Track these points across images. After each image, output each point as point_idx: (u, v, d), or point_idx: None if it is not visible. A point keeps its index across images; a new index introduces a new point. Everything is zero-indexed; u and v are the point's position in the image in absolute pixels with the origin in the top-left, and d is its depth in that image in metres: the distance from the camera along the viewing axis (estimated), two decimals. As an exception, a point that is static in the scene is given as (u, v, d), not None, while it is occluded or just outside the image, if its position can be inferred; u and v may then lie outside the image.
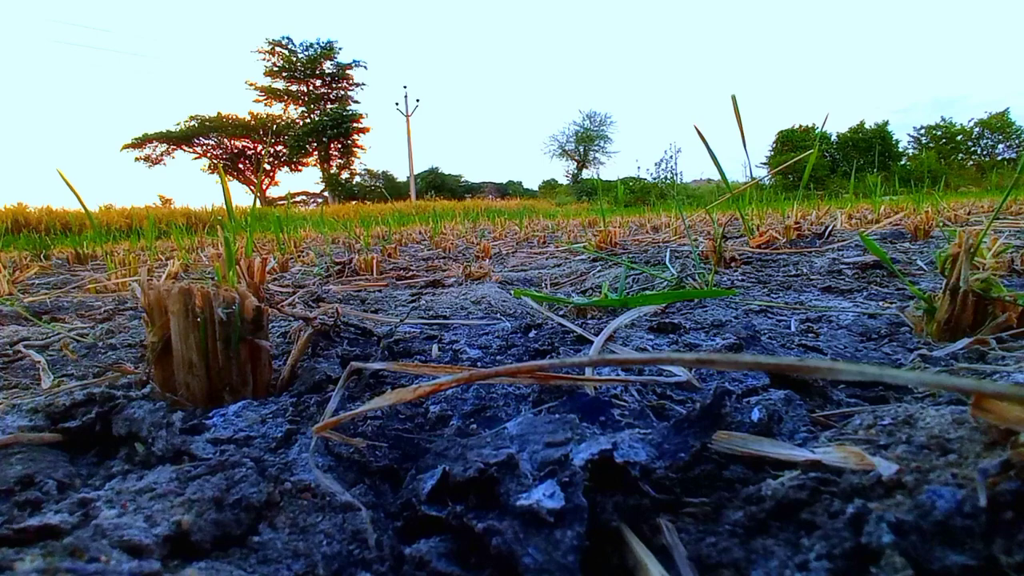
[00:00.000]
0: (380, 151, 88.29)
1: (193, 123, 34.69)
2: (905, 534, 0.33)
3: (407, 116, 34.35)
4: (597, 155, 42.80)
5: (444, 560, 0.36)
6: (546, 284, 1.75)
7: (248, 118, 36.11)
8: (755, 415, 0.52)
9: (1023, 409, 0.35)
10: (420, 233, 5.30)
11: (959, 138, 33.00)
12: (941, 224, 2.74)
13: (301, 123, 36.86)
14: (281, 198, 34.08)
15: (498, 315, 1.17)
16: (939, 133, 33.52)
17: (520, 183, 43.31)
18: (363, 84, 40.07)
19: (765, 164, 29.42)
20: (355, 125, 36.37)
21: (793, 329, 0.91)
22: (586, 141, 42.03)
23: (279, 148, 36.23)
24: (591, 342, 0.80)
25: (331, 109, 36.86)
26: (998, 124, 31.89)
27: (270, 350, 0.66)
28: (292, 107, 37.56)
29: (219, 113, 35.25)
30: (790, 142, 30.65)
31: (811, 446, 0.45)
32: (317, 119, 36.33)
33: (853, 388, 0.61)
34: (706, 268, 1.62)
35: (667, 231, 3.58)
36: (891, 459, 0.40)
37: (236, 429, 0.54)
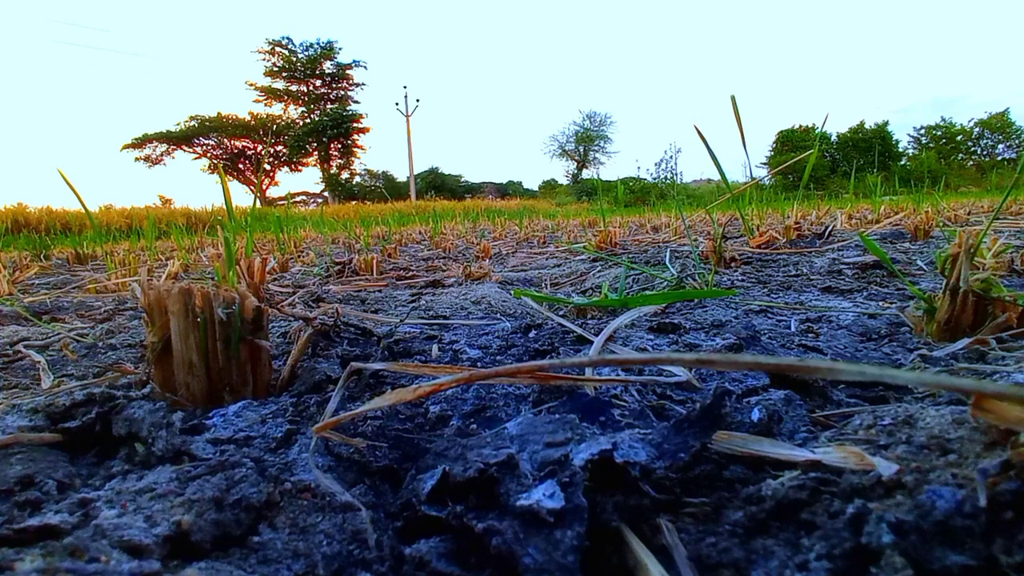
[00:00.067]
0: (380, 151, 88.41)
1: (193, 123, 34.70)
2: (905, 534, 0.33)
3: (407, 116, 34.37)
4: (597, 155, 42.84)
5: (444, 560, 0.36)
6: (546, 284, 1.75)
7: (248, 118, 36.12)
8: (755, 415, 0.52)
9: (1023, 409, 0.35)
10: (420, 233, 5.30)
11: (959, 138, 33.01)
12: (941, 224, 2.74)
13: (301, 123, 36.87)
14: (281, 198, 34.09)
15: (498, 315, 1.17)
16: (939, 133, 33.53)
17: (520, 183, 43.33)
18: (363, 84, 40.12)
19: (765, 164, 29.43)
20: (355, 125, 36.38)
21: (793, 329, 0.91)
22: (586, 141, 42.03)
23: (279, 148, 36.23)
24: (591, 342, 0.80)
25: (331, 109, 36.86)
26: (998, 124, 31.90)
27: (270, 350, 0.66)
28: (292, 107, 37.61)
29: (219, 113, 35.27)
30: (790, 142, 30.66)
31: (811, 446, 0.45)
32: (317, 119, 36.33)
33: (853, 388, 0.61)
34: (706, 268, 1.62)
35: (667, 231, 3.58)
36: (891, 459, 0.40)
37: (236, 429, 0.54)
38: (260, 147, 36.09)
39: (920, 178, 9.84)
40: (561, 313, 1.12)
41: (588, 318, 1.08)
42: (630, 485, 0.40)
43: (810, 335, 0.87)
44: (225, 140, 35.86)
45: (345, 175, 38.18)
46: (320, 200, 36.14)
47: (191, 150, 35.41)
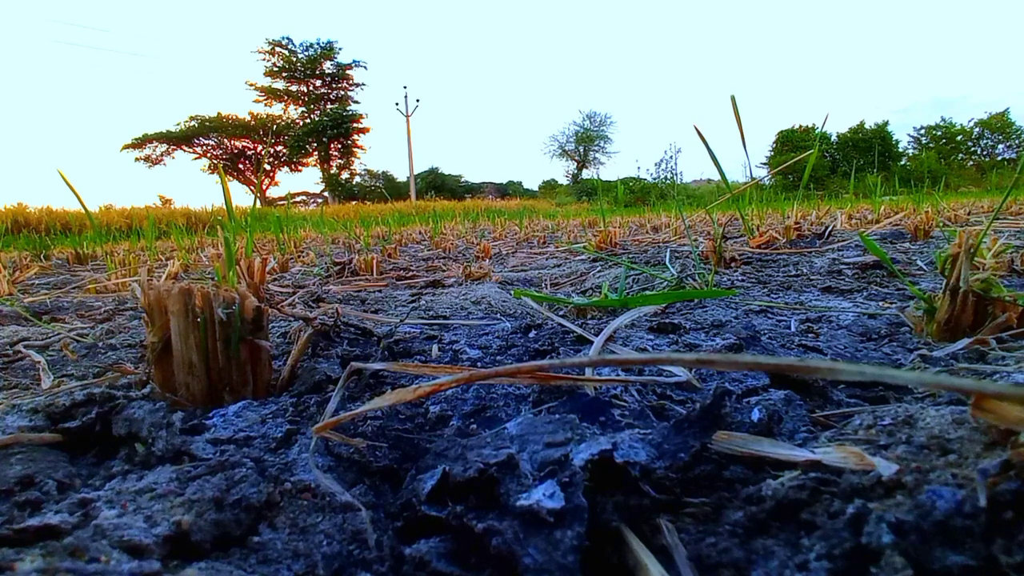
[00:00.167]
0: (380, 151, 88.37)
1: (193, 123, 34.70)
2: (905, 534, 0.33)
3: (407, 116, 34.37)
4: (597, 155, 42.85)
5: (444, 560, 0.36)
6: (546, 284, 1.75)
7: (248, 118, 36.12)
8: (755, 415, 0.52)
9: (1023, 409, 0.35)
10: (420, 233, 5.30)
11: (959, 138, 33.01)
12: (941, 224, 2.74)
13: (301, 123, 36.87)
14: (281, 198, 34.08)
15: (498, 315, 1.17)
16: (939, 133, 33.53)
17: (520, 183, 43.32)
18: (363, 84, 40.11)
19: (765, 164, 29.43)
20: (355, 125, 36.38)
21: (793, 329, 0.91)
22: (586, 141, 42.04)
23: (279, 148, 36.23)
24: (591, 342, 0.80)
25: (331, 109, 36.87)
26: (998, 124, 31.90)
27: (270, 350, 0.66)
28: (292, 107, 37.61)
29: (219, 113, 35.26)
30: (790, 142, 30.65)
31: (811, 446, 0.45)
32: (317, 119, 36.34)
33: (853, 388, 0.61)
34: (706, 268, 1.62)
35: (667, 231, 3.58)
36: (891, 459, 0.40)
37: (236, 429, 0.54)
38: (260, 147, 36.10)
39: (920, 178, 9.84)
40: (561, 313, 1.12)
41: (588, 318, 1.08)
42: (630, 485, 0.40)
43: (810, 335, 0.87)
44: (225, 140, 35.86)
45: (345, 175, 38.21)
46: (320, 200, 36.15)
47: (191, 150, 35.42)
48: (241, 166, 35.73)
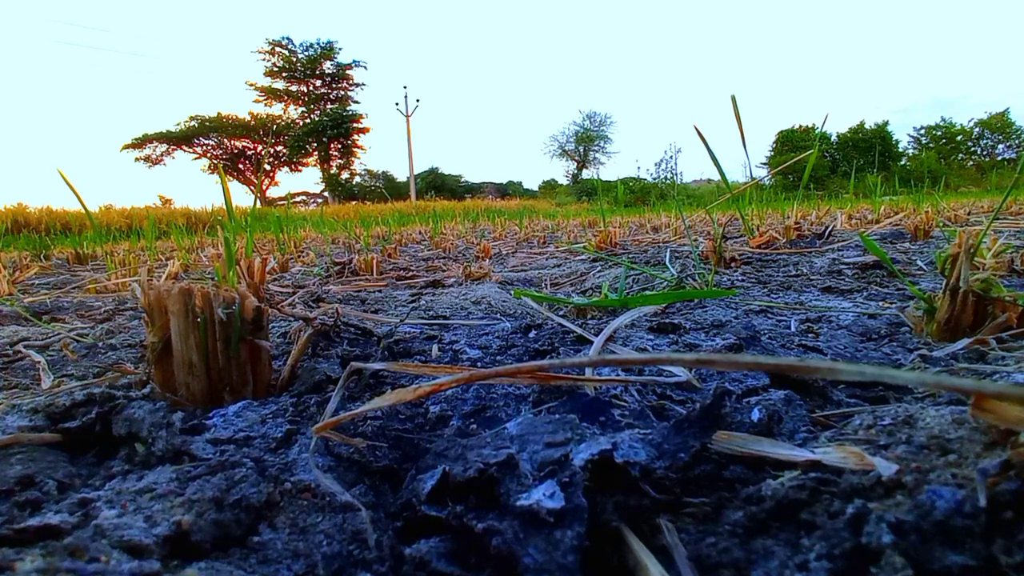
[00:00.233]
0: (380, 151, 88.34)
1: (193, 123, 34.70)
2: (905, 534, 0.33)
3: (407, 116, 34.37)
4: (597, 155, 42.85)
5: (444, 560, 0.36)
6: (546, 284, 1.75)
7: (248, 118, 36.12)
8: (755, 415, 0.52)
9: (1023, 409, 0.35)
10: (420, 233, 5.30)
11: (959, 138, 33.02)
12: (941, 224, 2.74)
13: (301, 123, 36.87)
14: (281, 198, 34.08)
15: (498, 315, 1.17)
16: (939, 133, 33.54)
17: (520, 183, 43.33)
18: (363, 84, 40.12)
19: (765, 164, 29.43)
20: (355, 125, 36.38)
21: (793, 329, 0.91)
22: (586, 141, 42.04)
23: (279, 148, 36.24)
24: (591, 342, 0.80)
25: (331, 109, 36.87)
26: (998, 124, 31.90)
27: (270, 350, 0.66)
28: (292, 107, 37.61)
29: (219, 113, 35.27)
30: (790, 142, 30.65)
31: (811, 446, 0.45)
32: (317, 119, 36.34)
33: (853, 388, 0.61)
34: (706, 268, 1.62)
35: (667, 231, 3.58)
36: (891, 459, 0.40)
37: (236, 429, 0.54)
38: (260, 147, 36.11)
39: (920, 178, 9.84)
40: (561, 313, 1.12)
41: (588, 318, 1.08)
42: (630, 485, 0.40)
43: (810, 335, 0.87)
44: (225, 140, 35.86)
45: (345, 175, 38.21)
46: (320, 200, 36.15)
47: (191, 150, 35.43)
48: (241, 166, 35.73)
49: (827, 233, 2.34)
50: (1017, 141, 31.50)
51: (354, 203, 23.50)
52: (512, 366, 0.46)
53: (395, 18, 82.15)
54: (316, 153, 36.90)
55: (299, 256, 3.07)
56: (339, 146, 37.09)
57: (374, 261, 2.10)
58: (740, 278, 1.49)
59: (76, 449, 0.53)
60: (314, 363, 0.71)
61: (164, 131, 34.10)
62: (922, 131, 34.06)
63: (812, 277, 1.46)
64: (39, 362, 0.88)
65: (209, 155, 35.75)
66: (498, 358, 0.82)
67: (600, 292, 1.13)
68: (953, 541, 0.32)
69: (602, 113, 43.11)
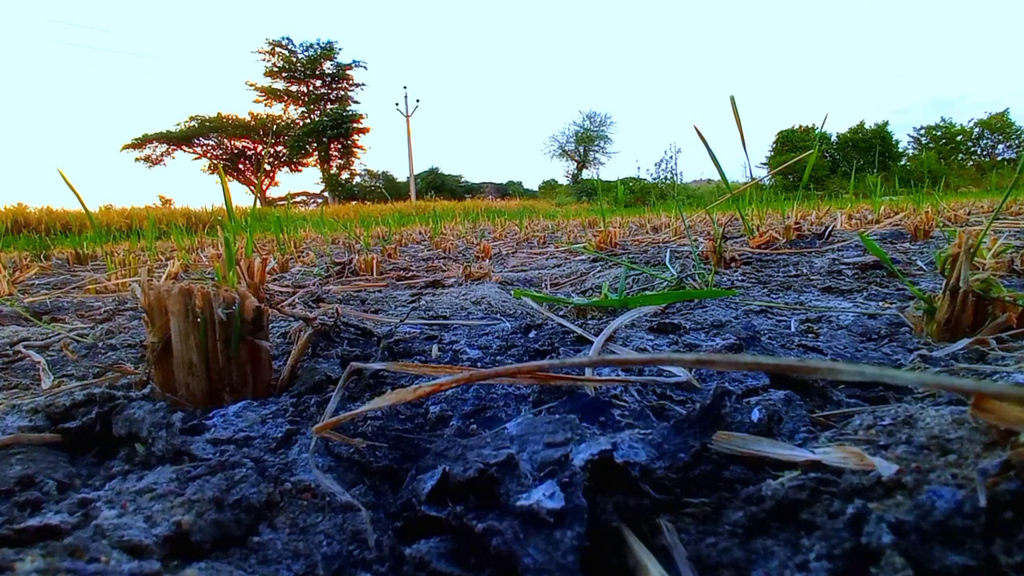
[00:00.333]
0: (380, 151, 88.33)
1: (193, 123, 34.70)
2: (905, 534, 0.33)
3: (407, 116, 34.38)
4: (597, 155, 42.85)
5: (444, 560, 0.36)
6: (546, 284, 1.75)
7: (248, 118, 36.13)
8: (755, 415, 0.52)
9: (1023, 409, 0.35)
10: (420, 233, 5.30)
11: (959, 138, 33.02)
12: (941, 224, 2.74)
13: (301, 123, 36.87)
14: (281, 198, 34.07)
15: (498, 315, 1.17)
16: (939, 133, 33.54)
17: (520, 183, 43.32)
18: (363, 84, 40.11)
19: (765, 164, 29.44)
20: (355, 125, 36.38)
21: (793, 329, 0.91)
22: (586, 141, 42.04)
23: (279, 148, 36.24)
24: (591, 342, 0.80)
25: (331, 109, 36.87)
26: (998, 124, 31.91)
27: (270, 350, 0.66)
28: (292, 107, 37.61)
29: (219, 113, 35.27)
30: (790, 142, 30.66)
31: (811, 446, 0.45)
32: (317, 119, 36.34)
33: (853, 388, 0.61)
34: (706, 268, 1.62)
35: (667, 231, 3.58)
36: (891, 459, 0.40)
37: (236, 429, 0.54)
38: (260, 147, 36.11)
39: (920, 178, 9.84)
40: (561, 313, 1.12)
41: (588, 318, 1.08)
42: (630, 485, 0.40)
43: (810, 335, 0.87)
44: (225, 140, 35.86)
45: (345, 175, 38.22)
46: (320, 200, 36.15)
47: (191, 150, 35.43)
48: (241, 166, 35.74)
49: (827, 233, 2.34)
50: (1017, 141, 31.51)
51: (354, 203, 23.52)
52: (512, 366, 0.46)
53: (395, 18, 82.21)
54: (316, 153, 36.91)
55: (299, 256, 3.07)
56: (339, 146, 37.10)
57: (374, 261, 2.10)
58: (740, 278, 1.49)
59: (76, 449, 0.53)
60: (314, 363, 0.71)
61: (164, 131, 34.12)
62: (922, 131, 34.09)
63: (812, 277, 1.46)
64: (39, 362, 0.88)
65: (209, 155, 35.76)
66: (498, 358, 0.82)
67: (600, 292, 1.13)
68: (953, 541, 0.32)
69: (602, 113, 43.17)
